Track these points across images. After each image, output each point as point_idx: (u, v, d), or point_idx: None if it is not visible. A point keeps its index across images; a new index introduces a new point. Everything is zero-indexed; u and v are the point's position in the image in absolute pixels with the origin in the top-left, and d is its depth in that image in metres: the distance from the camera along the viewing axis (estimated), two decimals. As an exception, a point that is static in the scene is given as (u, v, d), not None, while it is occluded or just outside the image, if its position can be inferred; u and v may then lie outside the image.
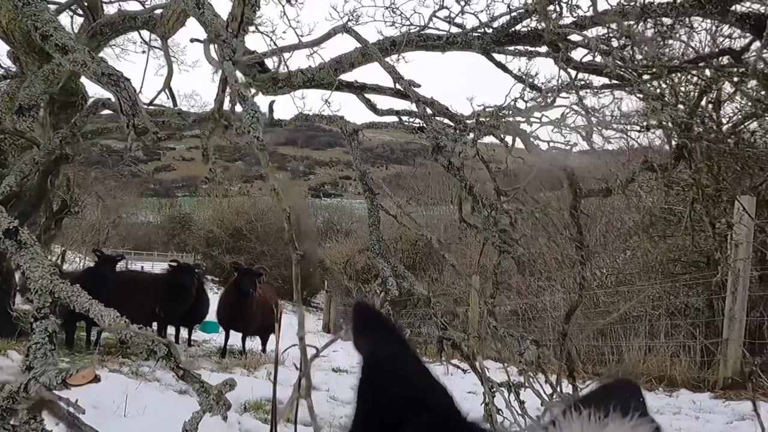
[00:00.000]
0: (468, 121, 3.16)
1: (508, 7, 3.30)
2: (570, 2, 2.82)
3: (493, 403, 2.47)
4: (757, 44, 2.77)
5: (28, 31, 2.77)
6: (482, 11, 3.36)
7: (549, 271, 10.22)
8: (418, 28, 3.42)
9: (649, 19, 2.70)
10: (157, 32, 4.22)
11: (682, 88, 3.45)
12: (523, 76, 3.20)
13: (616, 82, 3.21)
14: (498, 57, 3.32)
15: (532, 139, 3.32)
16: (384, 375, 0.46)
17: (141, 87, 4.68)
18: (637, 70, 2.70)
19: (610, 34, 2.88)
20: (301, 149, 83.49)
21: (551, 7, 2.66)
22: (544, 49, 3.09)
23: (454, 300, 13.51)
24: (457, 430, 0.42)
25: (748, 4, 2.70)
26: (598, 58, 2.90)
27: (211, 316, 7.97)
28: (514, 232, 2.83)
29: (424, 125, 2.79)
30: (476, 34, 3.29)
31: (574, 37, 2.98)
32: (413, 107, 3.36)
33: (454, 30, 3.41)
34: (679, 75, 3.16)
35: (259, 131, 1.29)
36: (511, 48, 3.17)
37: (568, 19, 2.91)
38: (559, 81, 2.82)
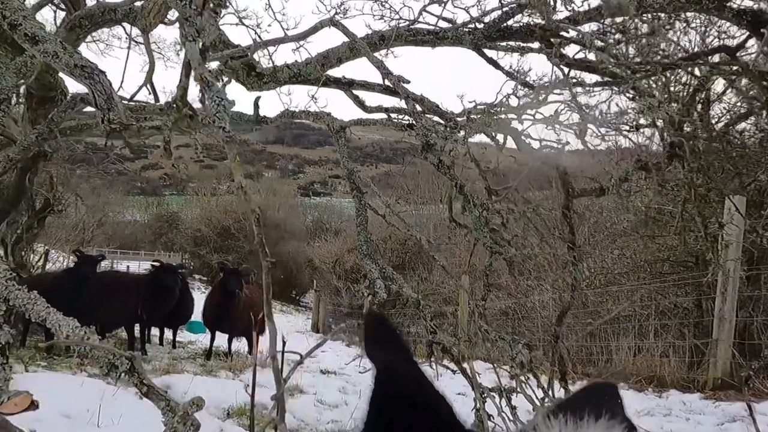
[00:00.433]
0: (459, 119, 3.07)
1: (500, 2, 3.22)
2: (563, -3, 2.75)
3: (485, 409, 2.39)
4: (753, 41, 2.73)
5: (-3, 21, 2.64)
6: (473, 6, 3.27)
7: (538, 271, 10.21)
8: (407, 23, 3.33)
9: (645, 14, 2.63)
10: (138, 25, 4.09)
11: (672, 87, 3.40)
12: (515, 73, 3.12)
13: (608, 79, 3.15)
14: (489, 53, 3.24)
15: (523, 137, 3.25)
16: (399, 388, 0.47)
17: (122, 82, 4.54)
18: (631, 67, 2.63)
19: (605, 29, 2.81)
20: (289, 148, 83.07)
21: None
22: (536, 45, 3.02)
23: (444, 299, 13.46)
24: None
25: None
26: (592, 55, 2.83)
27: (198, 316, 7.83)
28: (506, 233, 2.75)
29: (414, 122, 2.70)
30: (467, 29, 3.21)
31: (568, 33, 2.91)
32: (403, 104, 3.27)
33: (445, 25, 3.32)
34: (670, 73, 3.11)
35: (225, 121, 1.19)
36: (503, 44, 3.09)
37: (562, 14, 2.83)
38: (553, 77, 2.75)
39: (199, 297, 8.24)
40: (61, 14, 6.78)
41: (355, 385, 5.66)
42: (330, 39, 3.31)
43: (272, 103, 4.00)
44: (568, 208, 3.07)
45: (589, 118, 2.63)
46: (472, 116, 2.74)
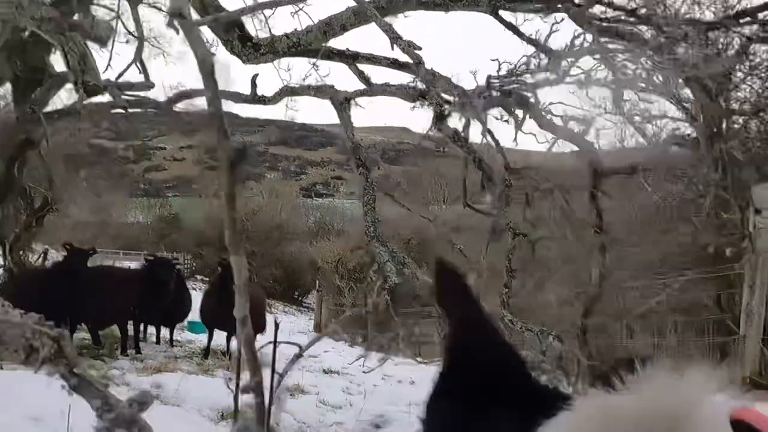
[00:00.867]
0: (476, 92, 2.78)
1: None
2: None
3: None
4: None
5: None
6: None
7: (547, 265, 9.89)
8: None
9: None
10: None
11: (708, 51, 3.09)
12: (536, 39, 2.83)
13: (638, 46, 2.85)
14: (508, 18, 2.95)
15: (544, 113, 2.95)
16: (477, 342, 0.49)
17: (110, 60, 4.26)
18: (674, 25, 2.34)
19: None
20: (292, 149, 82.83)
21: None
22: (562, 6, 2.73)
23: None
24: (540, 396, 0.45)
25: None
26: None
27: (196, 314, 7.54)
28: (530, 211, 2.45)
29: (427, 90, 2.40)
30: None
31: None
32: (411, 81, 2.98)
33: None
34: (710, 36, 2.81)
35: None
36: (524, 5, 2.80)
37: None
38: (581, 40, 2.45)
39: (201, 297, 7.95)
40: None
41: (359, 385, 5.37)
42: (333, 4, 3.03)
43: (271, 80, 3.71)
44: (596, 188, 2.78)
45: (624, 82, 2.33)
46: (493, 81, 2.44)
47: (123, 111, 3.49)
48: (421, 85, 2.74)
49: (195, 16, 1.46)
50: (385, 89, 2.91)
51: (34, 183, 5.78)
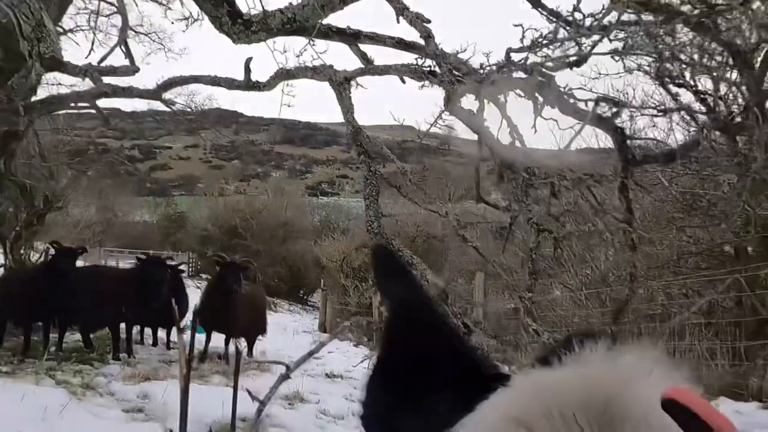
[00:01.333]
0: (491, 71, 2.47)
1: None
2: None
3: None
4: None
5: None
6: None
7: (552, 267, 9.56)
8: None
9: None
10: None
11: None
12: (558, 11, 2.52)
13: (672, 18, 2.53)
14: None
15: (566, 96, 2.64)
16: (415, 323, 0.47)
17: (92, 44, 3.97)
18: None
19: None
20: (297, 148, 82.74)
21: None
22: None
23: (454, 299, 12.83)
24: (479, 376, 0.44)
25: None
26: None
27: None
28: (554, 206, 2.14)
29: (438, 65, 2.09)
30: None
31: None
32: (416, 61, 2.68)
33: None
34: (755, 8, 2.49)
35: None
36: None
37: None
38: (609, 14, 2.14)
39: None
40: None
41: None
42: (331, -26, 2.74)
43: (264, 63, 3.42)
44: (627, 178, 2.47)
45: (664, 54, 2.02)
46: (512, 56, 2.14)
47: (107, 95, 3.21)
48: (429, 63, 2.44)
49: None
50: (390, 67, 2.61)
51: (9, 170, 5.53)
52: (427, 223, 18.68)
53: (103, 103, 5.03)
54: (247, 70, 3.31)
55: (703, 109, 5.44)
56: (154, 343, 7.04)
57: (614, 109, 2.33)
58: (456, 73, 2.17)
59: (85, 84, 3.57)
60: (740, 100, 6.01)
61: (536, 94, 2.62)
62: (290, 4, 2.80)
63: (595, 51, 2.25)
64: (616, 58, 2.14)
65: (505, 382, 0.40)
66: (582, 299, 9.01)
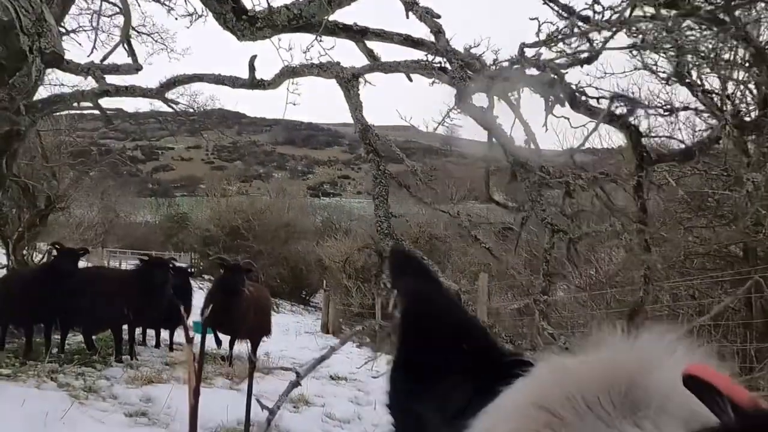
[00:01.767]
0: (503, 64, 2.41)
1: None
2: None
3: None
4: None
5: None
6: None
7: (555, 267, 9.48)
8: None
9: None
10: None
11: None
12: (571, 6, 2.46)
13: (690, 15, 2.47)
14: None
15: (577, 94, 2.58)
16: (426, 315, 0.48)
17: (95, 40, 3.93)
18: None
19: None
20: (299, 148, 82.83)
21: None
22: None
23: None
24: (498, 364, 0.43)
25: None
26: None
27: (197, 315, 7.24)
28: (570, 205, 2.08)
29: (448, 61, 2.04)
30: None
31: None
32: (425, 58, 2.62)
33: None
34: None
35: None
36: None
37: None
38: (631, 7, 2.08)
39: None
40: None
41: (368, 393, 5.02)
42: (338, -30, 2.68)
43: (268, 63, 3.36)
44: (643, 178, 2.40)
45: (688, 48, 1.96)
46: (525, 50, 2.08)
47: (109, 94, 3.16)
48: (439, 60, 2.38)
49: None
50: (399, 64, 2.55)
51: (10, 170, 5.48)
52: (430, 224, 18.63)
53: (105, 103, 5.00)
54: (252, 68, 3.25)
55: (709, 109, 5.39)
56: (157, 345, 6.99)
57: (629, 106, 2.27)
58: (467, 70, 2.11)
59: (88, 84, 3.54)
60: (749, 99, 5.95)
61: (549, 91, 2.56)
62: (296, 0, 2.75)
63: (611, 47, 2.20)
64: (634, 52, 2.09)
65: (524, 368, 0.40)
66: (587, 300, 8.95)
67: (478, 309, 9.42)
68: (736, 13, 2.25)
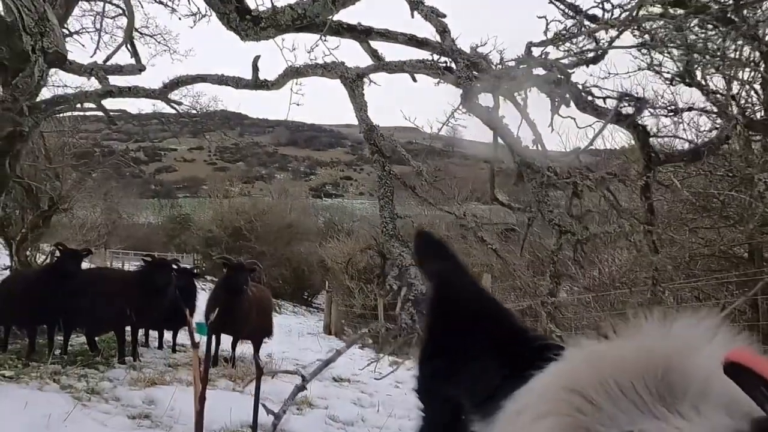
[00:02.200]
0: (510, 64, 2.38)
1: None
2: None
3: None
4: None
5: None
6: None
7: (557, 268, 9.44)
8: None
9: None
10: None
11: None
12: (578, 6, 2.44)
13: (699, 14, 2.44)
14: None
15: (583, 93, 2.56)
16: (456, 298, 0.48)
17: (99, 40, 3.92)
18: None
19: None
20: (301, 150, 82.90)
21: None
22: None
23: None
24: (527, 347, 0.43)
25: None
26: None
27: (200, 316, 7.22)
28: (576, 206, 2.06)
29: (453, 61, 2.02)
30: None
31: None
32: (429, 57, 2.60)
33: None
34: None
35: None
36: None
37: None
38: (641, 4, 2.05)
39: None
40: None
41: (371, 395, 5.00)
42: (343, -31, 2.66)
43: (272, 64, 3.35)
44: (650, 178, 2.38)
45: (697, 46, 1.94)
46: (532, 48, 2.06)
47: (112, 95, 3.15)
48: (445, 60, 2.36)
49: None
50: (404, 63, 2.53)
51: (14, 171, 5.48)
52: (432, 225, 18.59)
53: (108, 105, 5.00)
54: (255, 68, 3.24)
55: (714, 108, 5.36)
56: (160, 346, 6.98)
57: (637, 105, 2.25)
58: (473, 70, 2.09)
59: (91, 85, 3.54)
60: (754, 99, 5.92)
61: (555, 91, 2.54)
62: (300, 0, 2.74)
63: (619, 45, 2.17)
64: (643, 51, 2.07)
65: (555, 352, 0.40)
66: (590, 301, 8.91)
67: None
68: (744, 12, 2.22)
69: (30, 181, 8.28)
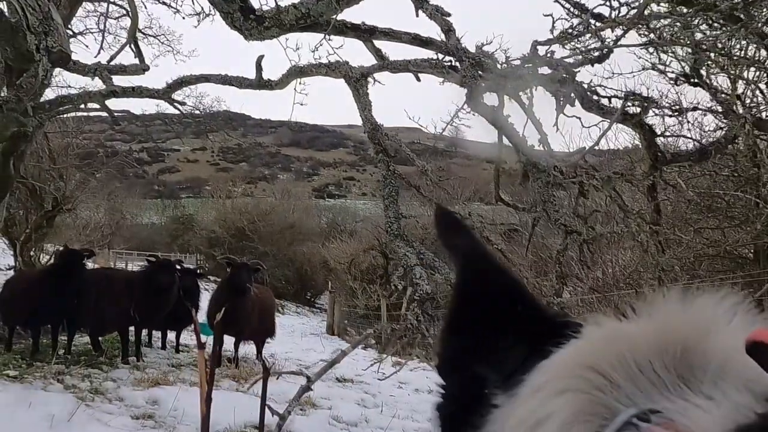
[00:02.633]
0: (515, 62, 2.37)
1: None
2: None
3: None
4: None
5: None
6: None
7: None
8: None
9: None
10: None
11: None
12: (583, 4, 2.42)
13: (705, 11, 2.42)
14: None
15: (589, 93, 2.54)
16: (483, 275, 0.48)
17: (102, 40, 3.92)
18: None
19: None
20: (304, 150, 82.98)
21: None
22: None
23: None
24: (550, 325, 0.44)
25: None
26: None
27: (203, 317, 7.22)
28: (583, 205, 2.04)
29: (459, 60, 2.00)
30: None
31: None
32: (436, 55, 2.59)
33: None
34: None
35: None
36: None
37: None
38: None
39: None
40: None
41: (375, 396, 4.99)
42: (347, -32, 2.65)
43: (275, 64, 3.34)
44: (657, 178, 2.36)
45: (699, 38, 1.92)
46: (538, 44, 2.04)
47: (116, 95, 3.15)
48: (450, 59, 2.35)
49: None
50: (409, 62, 2.52)
51: (18, 172, 5.50)
52: (432, 224, 18.57)
53: (112, 105, 5.00)
54: (259, 68, 3.23)
55: (720, 108, 5.34)
56: (163, 347, 6.98)
57: (644, 105, 2.23)
58: (478, 69, 2.08)
59: (95, 85, 3.54)
60: (759, 99, 5.88)
61: (561, 90, 2.52)
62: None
63: (626, 44, 2.16)
64: (650, 50, 2.05)
65: (575, 329, 0.40)
66: (593, 302, 8.87)
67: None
68: (751, 10, 2.20)
69: (34, 182, 8.31)
